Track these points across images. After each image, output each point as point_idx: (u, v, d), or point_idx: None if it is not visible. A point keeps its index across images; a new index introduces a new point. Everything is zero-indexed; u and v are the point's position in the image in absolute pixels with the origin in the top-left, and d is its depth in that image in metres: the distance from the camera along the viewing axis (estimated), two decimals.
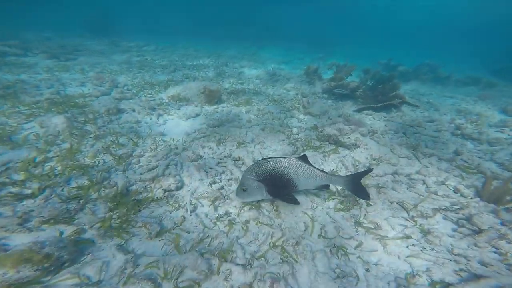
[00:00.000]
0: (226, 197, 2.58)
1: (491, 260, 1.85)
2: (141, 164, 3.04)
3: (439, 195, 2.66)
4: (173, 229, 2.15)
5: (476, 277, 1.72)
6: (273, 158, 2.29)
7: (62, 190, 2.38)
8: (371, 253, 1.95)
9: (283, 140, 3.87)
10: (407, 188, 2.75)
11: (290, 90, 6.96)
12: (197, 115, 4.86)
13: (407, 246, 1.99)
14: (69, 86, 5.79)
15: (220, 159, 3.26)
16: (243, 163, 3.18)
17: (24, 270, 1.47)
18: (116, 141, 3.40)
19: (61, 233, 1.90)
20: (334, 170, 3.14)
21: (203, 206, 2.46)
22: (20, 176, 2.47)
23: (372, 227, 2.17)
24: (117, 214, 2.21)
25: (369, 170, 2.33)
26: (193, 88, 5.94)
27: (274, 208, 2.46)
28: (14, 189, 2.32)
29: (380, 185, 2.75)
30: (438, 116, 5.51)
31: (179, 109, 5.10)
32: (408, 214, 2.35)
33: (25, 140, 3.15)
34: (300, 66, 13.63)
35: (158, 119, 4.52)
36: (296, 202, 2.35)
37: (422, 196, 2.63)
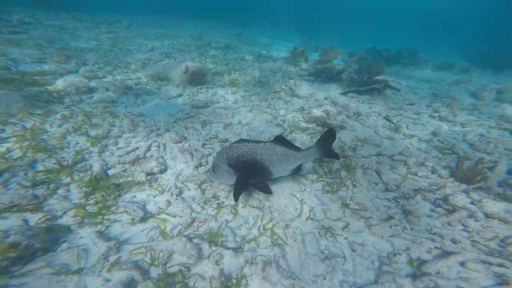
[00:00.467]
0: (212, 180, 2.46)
1: (461, 238, 2.00)
2: (119, 145, 2.78)
3: (419, 176, 2.79)
4: (158, 214, 2.02)
5: (447, 254, 1.84)
6: (245, 144, 2.11)
7: (25, 174, 2.09)
8: (357, 234, 2.00)
9: (271, 122, 3.79)
10: (390, 169, 2.84)
11: (276, 71, 6.78)
12: (179, 95, 4.55)
13: (390, 227, 2.06)
14: (22, 62, 5.05)
15: (206, 141, 3.10)
16: (226, 140, 3.07)
17: None
18: (88, 121, 3.06)
19: (26, 221, 1.67)
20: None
21: (189, 189, 2.33)
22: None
23: (358, 208, 2.21)
24: (94, 199, 2.00)
25: (331, 130, 2.30)
26: (174, 67, 5.53)
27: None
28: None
29: (365, 167, 2.81)
30: (417, 99, 5.76)
31: (159, 89, 4.73)
32: (391, 195, 2.43)
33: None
34: (284, 49, 13.39)
35: (135, 99, 4.15)
36: (269, 191, 2.22)
37: (403, 177, 2.73)
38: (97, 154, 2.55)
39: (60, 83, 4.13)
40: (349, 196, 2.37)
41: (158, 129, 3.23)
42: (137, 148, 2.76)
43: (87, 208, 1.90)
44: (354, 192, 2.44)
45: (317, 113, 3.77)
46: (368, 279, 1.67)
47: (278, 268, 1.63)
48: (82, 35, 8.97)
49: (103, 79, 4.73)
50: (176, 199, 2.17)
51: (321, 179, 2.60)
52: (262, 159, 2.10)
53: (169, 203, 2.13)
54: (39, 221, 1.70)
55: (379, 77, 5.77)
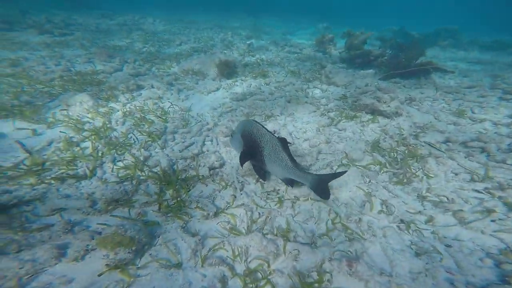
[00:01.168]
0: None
1: None
2: (176, 141, 2.80)
3: (508, 164, 2.39)
4: (227, 209, 2.00)
5: None
6: (260, 126, 2.08)
7: (112, 170, 2.17)
8: (446, 228, 1.81)
9: (314, 112, 3.57)
10: (466, 157, 2.54)
11: (305, 60, 6.39)
12: (217, 89, 4.45)
13: (493, 221, 1.83)
14: (76, 63, 5.23)
15: None
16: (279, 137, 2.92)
17: (120, 252, 1.40)
18: (144, 118, 3.10)
19: (129, 216, 1.75)
20: (376, 140, 2.88)
21: (249, 184, 2.28)
22: (67, 156, 2.25)
23: (440, 200, 2.01)
24: (170, 194, 2.03)
25: (342, 173, 1.95)
26: (207, 61, 5.41)
27: None
28: (68, 170, 2.12)
29: (436, 155, 2.53)
30: (473, 82, 5.08)
31: (197, 83, 4.67)
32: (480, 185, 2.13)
33: (56, 119, 2.84)
34: (305, 37, 12.63)
35: (178, 94, 4.13)
36: (263, 178, 2.20)
37: (486, 165, 2.36)
38: (160, 150, 2.58)
39: (112, 81, 4.22)
40: (425, 187, 2.16)
41: (207, 123, 3.19)
42: (193, 143, 2.75)
43: (166, 203, 1.93)
44: (429, 183, 2.22)
45: (367, 100, 3.45)
46: (486, 278, 1.48)
47: (367, 264, 1.53)
48: (115, 33, 9.10)
49: (145, 76, 4.76)
50: (241, 194, 2.14)
51: (385, 169, 2.40)
52: (263, 147, 2.07)
53: (234, 197, 2.10)
54: (135, 216, 1.76)
55: (422, 60, 5.15)
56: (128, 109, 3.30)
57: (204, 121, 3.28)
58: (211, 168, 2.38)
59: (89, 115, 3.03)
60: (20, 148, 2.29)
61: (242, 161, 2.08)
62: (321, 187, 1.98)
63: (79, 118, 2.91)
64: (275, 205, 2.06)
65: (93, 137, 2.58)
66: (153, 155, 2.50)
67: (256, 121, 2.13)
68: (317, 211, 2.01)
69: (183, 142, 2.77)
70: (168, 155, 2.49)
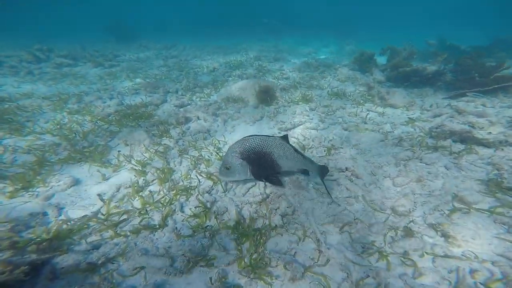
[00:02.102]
0: (356, 219, 2.11)
1: None
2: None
3: None
4: (313, 267, 1.76)
5: None
6: (257, 136, 2.22)
7: (183, 221, 2.08)
8: None
9: (382, 141, 3.25)
10: None
11: (345, 81, 6.18)
12: (261, 117, 4.37)
13: None
14: (125, 95, 5.57)
15: None
16: (353, 175, 2.64)
17: None
18: (201, 157, 3.05)
19: (210, 279, 1.60)
20: (491, 177, 2.42)
21: (332, 234, 2.03)
22: (138, 203, 2.22)
23: None
24: (247, 249, 1.85)
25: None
26: (246, 87, 5.45)
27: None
28: (141, 220, 2.08)
29: None
30: None
31: (239, 112, 4.65)
32: None
33: (120, 161, 2.90)
34: (330, 55, 12.54)
35: (225, 125, 4.12)
36: (280, 184, 2.31)
37: None
38: (223, 194, 2.46)
39: (161, 114, 4.35)
40: None
41: None
42: (255, 184, 2.60)
43: (246, 260, 1.75)
44: None
45: (454, 126, 3.02)
46: None
47: None
48: (153, 63, 9.76)
49: (188, 106, 4.88)
50: (328, 248, 1.89)
51: None
52: (271, 152, 2.18)
53: (319, 252, 1.86)
54: (217, 278, 1.60)
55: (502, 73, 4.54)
56: (182, 146, 3.30)
57: None
58: (283, 215, 2.19)
59: (147, 155, 3.06)
60: (98, 199, 2.31)
61: (272, 180, 2.26)
62: (324, 172, 2.28)
63: (140, 160, 2.94)
64: (377, 261, 1.78)
65: (157, 181, 2.56)
66: (217, 199, 2.38)
67: (248, 137, 2.21)
68: (449, 272, 1.66)
69: (245, 183, 2.65)
70: (232, 200, 2.36)
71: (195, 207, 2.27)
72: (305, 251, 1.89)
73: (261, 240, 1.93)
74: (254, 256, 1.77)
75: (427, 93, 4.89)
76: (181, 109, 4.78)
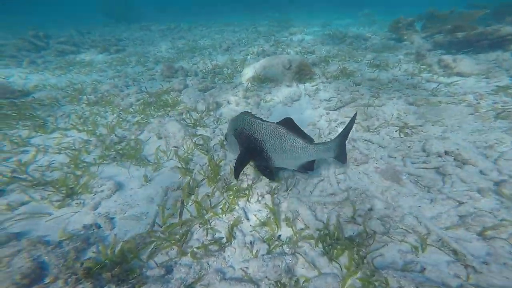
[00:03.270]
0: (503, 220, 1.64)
1: None
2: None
3: None
4: None
5: None
6: (251, 118, 1.75)
7: (251, 232, 1.70)
8: None
9: (472, 114, 2.66)
10: None
11: (382, 51, 5.36)
12: (299, 97, 3.78)
13: None
14: (141, 82, 5.02)
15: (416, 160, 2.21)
16: (459, 159, 2.10)
17: None
18: None
19: None
20: None
21: (469, 241, 1.56)
22: (194, 209, 1.85)
23: None
24: (344, 265, 1.48)
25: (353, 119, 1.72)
26: (271, 64, 4.75)
27: None
28: (205, 232, 1.71)
29: None
30: None
31: (270, 93, 4.06)
32: None
33: (159, 158, 2.49)
34: (346, 26, 11.25)
35: (258, 108, 3.59)
36: (271, 177, 1.91)
37: None
38: (286, 193, 2.04)
39: (187, 100, 3.84)
40: None
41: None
42: (322, 179, 2.16)
43: (351, 282, 1.38)
44: None
45: None
46: None
47: None
48: (160, 44, 8.95)
49: (212, 90, 4.32)
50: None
51: None
52: (262, 140, 1.72)
53: (466, 267, 1.41)
54: None
55: None
56: (221, 137, 2.84)
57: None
58: (380, 218, 1.77)
59: (185, 147, 2.63)
60: (148, 206, 1.94)
61: (238, 167, 1.75)
62: (342, 150, 1.84)
63: (181, 155, 2.51)
64: None
65: (206, 181, 2.16)
66: (281, 200, 1.97)
67: (247, 113, 1.80)
68: None
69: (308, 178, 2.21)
70: (300, 200, 1.95)
71: (258, 211, 1.88)
72: (434, 264, 1.47)
73: (360, 253, 1.54)
74: (359, 275, 1.40)
75: (503, 58, 4.06)
76: (206, 93, 4.24)
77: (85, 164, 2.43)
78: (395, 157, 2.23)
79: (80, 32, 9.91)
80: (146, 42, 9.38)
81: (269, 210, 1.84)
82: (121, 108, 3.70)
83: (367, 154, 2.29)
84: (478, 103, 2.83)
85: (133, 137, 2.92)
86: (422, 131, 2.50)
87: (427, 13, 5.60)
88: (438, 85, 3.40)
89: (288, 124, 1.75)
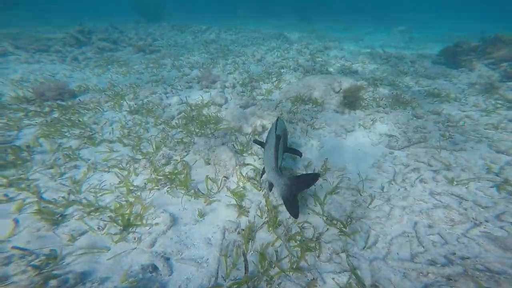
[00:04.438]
0: None
1: None
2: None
3: None
4: None
5: None
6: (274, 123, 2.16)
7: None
8: None
9: None
10: None
11: (435, 77, 5.03)
12: (353, 127, 3.50)
13: None
14: (179, 89, 5.05)
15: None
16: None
17: None
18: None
19: None
20: None
21: None
22: (257, 260, 1.72)
23: None
24: None
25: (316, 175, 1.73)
26: (319, 85, 4.58)
27: None
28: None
29: None
30: None
31: (317, 118, 3.84)
32: None
33: (209, 189, 2.41)
34: (377, 43, 10.93)
35: (307, 135, 3.41)
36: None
37: None
38: (361, 250, 1.86)
39: (229, 118, 3.76)
40: None
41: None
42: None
43: None
44: None
45: None
46: None
47: None
48: (193, 48, 9.10)
49: (253, 107, 4.23)
50: None
51: None
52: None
53: None
54: None
55: None
56: None
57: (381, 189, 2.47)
58: None
59: (238, 180, 2.52)
60: (206, 248, 1.84)
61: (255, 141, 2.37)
62: (293, 197, 1.73)
63: (234, 189, 2.41)
64: None
65: (266, 225, 2.03)
66: (360, 261, 1.79)
67: (281, 120, 2.22)
68: None
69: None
70: (388, 264, 1.76)
71: (335, 273, 1.71)
72: None
73: None
74: None
75: None
76: (247, 110, 4.16)
77: (136, 189, 2.39)
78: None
79: (114, 27, 10.33)
80: (180, 44, 9.59)
81: (351, 273, 1.66)
82: (162, 119, 3.70)
83: (463, 213, 2.04)
84: None
85: (179, 158, 2.87)
86: None
87: (491, 38, 5.24)
88: (501, 126, 3.09)
89: (277, 139, 1.88)
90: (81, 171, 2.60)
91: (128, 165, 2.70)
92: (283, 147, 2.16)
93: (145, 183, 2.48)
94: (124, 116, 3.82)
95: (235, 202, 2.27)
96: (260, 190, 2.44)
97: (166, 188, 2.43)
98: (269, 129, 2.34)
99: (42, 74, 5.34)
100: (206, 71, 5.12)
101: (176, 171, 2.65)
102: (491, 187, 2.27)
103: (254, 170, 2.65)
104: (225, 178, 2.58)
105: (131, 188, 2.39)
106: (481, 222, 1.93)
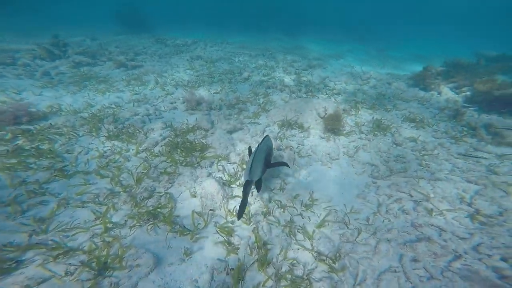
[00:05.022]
0: None
1: None
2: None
3: None
4: None
5: None
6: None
7: None
8: None
9: None
10: None
11: (410, 100, 5.58)
12: (338, 155, 3.74)
13: None
14: (162, 110, 5.03)
15: None
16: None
17: None
18: (293, 222, 2.52)
19: None
20: None
21: None
22: None
23: None
24: None
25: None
26: (305, 109, 4.86)
27: None
28: None
29: None
30: None
31: (302, 144, 4.05)
32: None
33: (196, 225, 2.38)
34: (356, 62, 11.95)
35: (294, 163, 3.56)
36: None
37: None
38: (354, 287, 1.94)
39: (216, 144, 3.80)
40: None
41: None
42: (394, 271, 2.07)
43: None
44: None
45: None
46: None
47: None
48: (177, 63, 9.19)
49: (240, 132, 4.33)
50: None
51: None
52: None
53: None
54: None
55: None
56: (261, 202, 2.76)
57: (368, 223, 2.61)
58: None
59: (226, 214, 2.53)
60: None
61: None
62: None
63: (222, 225, 2.41)
64: None
65: (257, 264, 2.04)
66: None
67: (267, 136, 2.86)
68: None
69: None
70: None
71: None
72: None
73: None
74: None
75: None
76: (234, 135, 4.25)
77: (114, 226, 2.29)
78: (489, 255, 2.12)
79: (94, 38, 10.17)
80: (163, 59, 9.63)
81: None
82: (145, 146, 3.63)
83: (444, 245, 2.21)
84: None
85: (163, 190, 2.82)
86: (504, 223, 2.46)
87: (452, 62, 5.99)
88: (467, 155, 3.50)
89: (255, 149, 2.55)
90: (49, 208, 2.43)
91: (106, 200, 2.59)
92: (267, 160, 2.65)
93: (125, 220, 2.39)
94: (101, 142, 3.69)
95: (223, 239, 2.27)
96: (249, 224, 2.46)
97: (148, 224, 2.36)
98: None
99: (5, 91, 5.03)
100: (190, 94, 5.18)
101: (160, 205, 2.60)
102: (465, 217, 2.52)
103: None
104: (212, 211, 2.58)
105: (109, 225, 2.29)
106: (461, 255, 2.11)
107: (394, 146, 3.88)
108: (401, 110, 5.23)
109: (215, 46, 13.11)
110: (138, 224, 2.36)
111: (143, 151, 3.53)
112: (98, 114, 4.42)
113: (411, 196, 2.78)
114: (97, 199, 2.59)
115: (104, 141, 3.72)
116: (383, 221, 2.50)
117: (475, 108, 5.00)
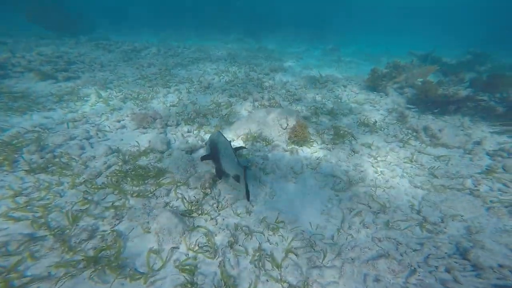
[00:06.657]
0: None
1: None
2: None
3: None
4: None
5: None
6: (220, 134, 3.06)
7: None
8: None
9: (482, 206, 3.09)
10: None
11: (363, 103, 6.29)
12: (302, 167, 3.93)
13: None
14: (107, 131, 4.62)
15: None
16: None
17: None
18: (263, 251, 2.55)
19: None
20: None
21: None
22: None
23: None
24: None
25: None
26: (268, 121, 5.02)
27: None
28: None
29: None
30: None
31: (267, 160, 4.17)
32: None
33: (149, 267, 2.22)
34: (315, 62, 13.05)
35: (260, 182, 3.62)
36: (219, 177, 3.35)
37: None
38: None
39: (173, 168, 3.65)
40: None
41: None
42: None
43: None
44: None
45: None
46: None
47: None
48: (125, 72, 8.61)
49: (201, 150, 4.25)
50: None
51: None
52: (219, 149, 3.05)
53: None
54: None
55: None
56: (226, 231, 2.72)
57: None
58: None
59: (187, 250, 2.44)
60: None
61: (202, 158, 3.26)
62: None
63: (182, 262, 2.31)
64: None
65: None
66: None
67: (219, 132, 3.06)
68: None
69: None
70: None
71: None
72: None
73: None
74: None
75: (468, 125, 5.14)
76: (195, 155, 4.14)
77: (27, 282, 1.99)
78: (436, 267, 2.40)
79: (2, 43, 8.81)
80: (107, 67, 8.91)
81: None
82: (83, 178, 3.27)
83: (401, 260, 2.46)
84: (477, 189, 3.48)
85: (108, 228, 2.58)
86: (445, 230, 2.87)
87: (392, 64, 6.93)
88: (414, 159, 4.07)
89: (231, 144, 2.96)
90: None
91: (21, 248, 2.24)
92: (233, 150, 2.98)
93: (49, 272, 2.10)
94: (20, 178, 3.19)
95: (184, 279, 2.17)
96: (214, 258, 2.40)
97: (89, 271, 2.12)
98: (207, 143, 3.39)
99: None
100: (139, 115, 4.88)
101: (104, 246, 2.36)
102: (416, 225, 2.91)
103: (206, 235, 2.61)
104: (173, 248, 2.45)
105: (16, 282, 1.98)
106: (415, 268, 2.42)
107: (353, 153, 4.28)
108: (356, 113, 5.83)
109: (169, 50, 12.69)
110: (73, 273, 2.09)
111: (82, 184, 3.17)
112: (13, 142, 3.81)
113: (370, 207, 3.10)
114: (3, 248, 2.22)
115: (24, 176, 3.22)
116: (346, 238, 2.72)
117: (415, 110, 5.86)
